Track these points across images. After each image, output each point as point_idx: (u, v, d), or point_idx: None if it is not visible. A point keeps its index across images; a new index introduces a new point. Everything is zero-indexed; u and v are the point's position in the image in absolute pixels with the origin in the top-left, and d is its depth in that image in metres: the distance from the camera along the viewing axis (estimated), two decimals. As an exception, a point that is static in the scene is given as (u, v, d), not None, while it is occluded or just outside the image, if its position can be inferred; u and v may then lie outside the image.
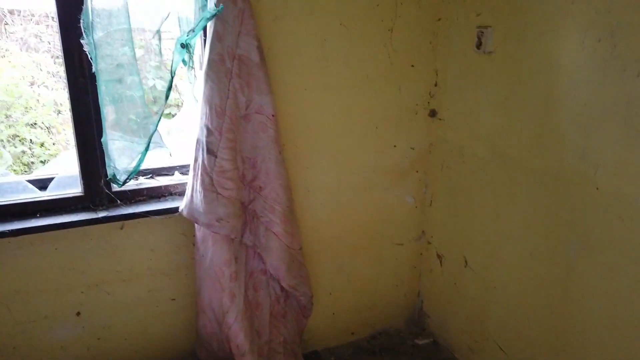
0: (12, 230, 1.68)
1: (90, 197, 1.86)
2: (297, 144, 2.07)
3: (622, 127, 1.45)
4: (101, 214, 1.82)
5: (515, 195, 1.89)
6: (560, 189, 1.69)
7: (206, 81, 1.75)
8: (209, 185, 1.80)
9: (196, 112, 1.82)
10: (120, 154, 1.68)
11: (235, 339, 1.93)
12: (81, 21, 1.56)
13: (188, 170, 1.93)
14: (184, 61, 1.75)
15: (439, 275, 2.43)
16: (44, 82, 4.36)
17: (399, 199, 2.39)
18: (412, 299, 2.61)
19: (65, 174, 1.88)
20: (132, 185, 1.95)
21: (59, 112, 4.32)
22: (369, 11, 2.03)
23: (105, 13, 1.56)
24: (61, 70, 4.90)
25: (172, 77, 1.67)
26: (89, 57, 1.60)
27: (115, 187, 1.88)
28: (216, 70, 1.74)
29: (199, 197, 1.81)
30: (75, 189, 1.86)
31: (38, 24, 5.50)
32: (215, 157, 1.79)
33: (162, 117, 1.70)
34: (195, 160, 1.83)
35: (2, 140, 3.91)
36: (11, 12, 5.50)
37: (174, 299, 2.09)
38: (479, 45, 1.91)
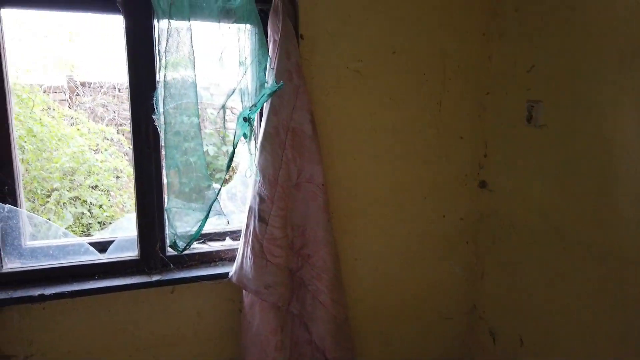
0: (71, 291, 1.75)
1: (145, 260, 1.92)
2: (345, 212, 2.10)
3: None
4: (155, 278, 1.87)
5: (572, 272, 1.81)
6: (621, 267, 1.61)
7: (261, 152, 1.83)
8: (259, 252, 1.83)
9: (250, 180, 1.89)
10: (182, 221, 1.74)
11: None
12: (153, 96, 1.69)
13: (239, 236, 1.98)
14: (244, 134, 1.84)
15: (491, 353, 2.30)
16: (106, 149, 4.66)
17: (448, 270, 2.33)
18: (462, 379, 2.47)
19: (123, 237, 1.96)
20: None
21: (118, 177, 4.57)
22: (417, 86, 2.10)
23: (176, 88, 1.69)
24: (122, 138, 5.25)
25: (234, 149, 1.76)
26: (157, 127, 1.71)
27: (169, 252, 1.94)
28: (271, 141, 1.82)
29: (248, 264, 1.84)
30: (132, 252, 1.94)
31: (106, 95, 5.96)
32: (267, 224, 1.83)
33: (222, 186, 1.77)
34: (247, 226, 1.87)
35: (64, 203, 4.14)
36: (83, 84, 6.01)
37: (218, 366, 2.07)
38: (529, 118, 1.92)
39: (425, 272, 2.29)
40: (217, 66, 1.82)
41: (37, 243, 1.89)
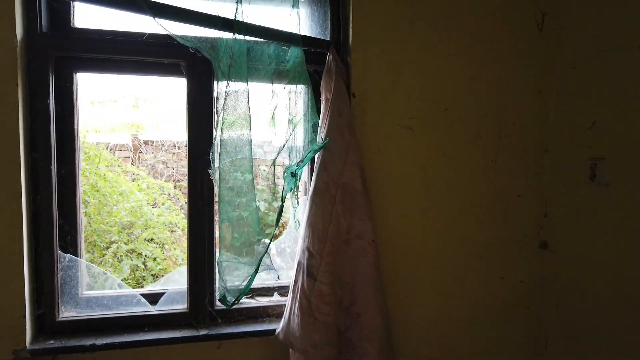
0: (121, 342, 1.76)
1: (194, 314, 1.92)
2: (396, 271, 2.03)
3: None
4: (202, 332, 1.86)
5: (652, 344, 1.63)
6: None
7: (311, 206, 1.83)
8: (307, 308, 1.78)
9: (299, 235, 1.88)
10: (231, 275, 1.76)
11: None
12: (210, 152, 1.76)
13: (287, 292, 1.95)
14: (290, 188, 1.87)
15: None
16: (163, 203, 4.85)
17: (508, 337, 2.17)
18: None
19: (174, 289, 1.98)
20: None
21: (173, 230, 4.72)
22: (471, 143, 2.07)
23: (232, 145, 1.76)
24: (179, 193, 5.47)
25: (283, 203, 1.78)
26: (213, 182, 1.77)
27: (218, 305, 1.93)
28: (321, 196, 1.83)
29: (296, 321, 1.80)
30: (182, 305, 1.94)
31: (166, 152, 6.30)
32: (315, 280, 1.79)
33: (272, 240, 1.78)
34: (295, 282, 1.85)
35: (121, 255, 4.28)
36: (146, 143, 6.39)
37: None
38: (592, 176, 1.83)
39: (483, 338, 2.15)
40: (269, 124, 1.88)
41: (93, 293, 1.94)
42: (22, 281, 1.67)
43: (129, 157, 5.99)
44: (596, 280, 1.85)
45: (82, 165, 4.16)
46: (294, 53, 1.82)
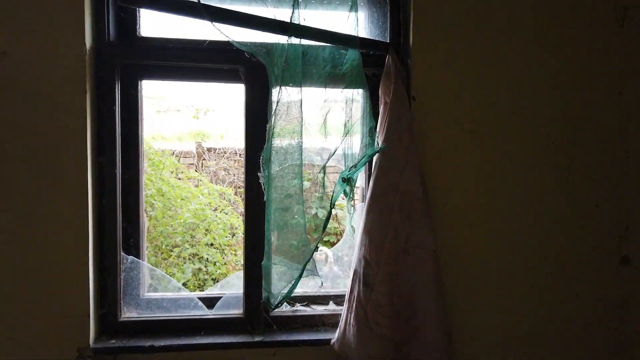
0: (178, 345, 1.78)
1: (249, 319, 1.91)
2: (460, 284, 1.92)
3: None
4: (257, 338, 1.84)
5: None
6: None
7: (368, 213, 1.77)
8: (363, 319, 1.72)
9: (355, 243, 1.83)
10: (277, 278, 1.75)
11: None
12: (261, 156, 1.76)
13: (343, 301, 1.89)
14: (345, 192, 1.82)
15: None
16: (223, 209, 4.98)
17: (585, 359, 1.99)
18: None
19: (231, 294, 1.99)
20: (288, 311, 1.97)
21: (233, 234, 4.82)
22: (542, 149, 1.93)
23: (282, 151, 1.75)
24: (239, 199, 5.60)
25: (332, 208, 1.75)
26: (262, 187, 1.76)
27: (273, 312, 1.92)
28: (378, 203, 1.76)
29: (351, 331, 1.74)
30: (238, 310, 1.94)
31: (228, 159, 6.48)
32: (372, 290, 1.73)
33: (318, 246, 1.76)
34: (351, 291, 1.79)
35: (185, 257, 4.42)
36: (209, 150, 6.60)
37: None
38: (684, 184, 1.64)
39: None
40: (321, 129, 1.85)
41: (153, 295, 1.99)
42: (87, 281, 1.73)
43: (193, 164, 6.22)
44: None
45: (148, 170, 4.36)
46: (350, 56, 1.78)
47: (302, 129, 1.74)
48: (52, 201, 1.69)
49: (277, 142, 1.75)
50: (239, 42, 1.71)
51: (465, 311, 1.92)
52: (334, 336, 1.83)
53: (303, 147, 1.77)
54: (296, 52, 1.70)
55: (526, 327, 1.96)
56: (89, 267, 1.73)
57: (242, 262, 4.71)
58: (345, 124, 1.81)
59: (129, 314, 1.90)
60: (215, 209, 4.89)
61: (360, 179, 2.08)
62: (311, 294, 2.06)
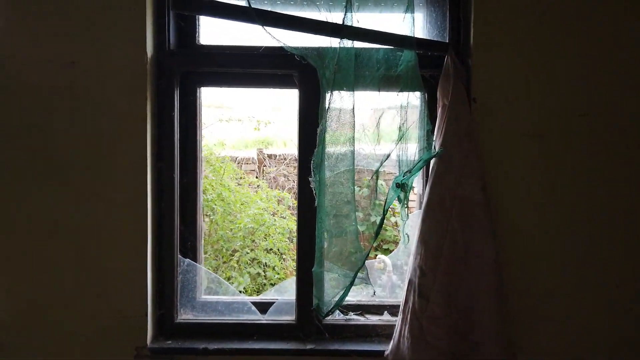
0: (231, 349, 1.80)
1: (301, 326, 1.89)
2: (524, 299, 1.78)
3: None
4: (309, 346, 1.82)
5: None
6: None
7: (424, 220, 1.70)
8: (418, 331, 1.64)
9: (411, 251, 1.76)
10: (328, 285, 1.73)
11: None
12: (312, 161, 1.74)
13: (398, 312, 1.83)
14: (399, 199, 1.76)
15: None
16: (282, 214, 5.04)
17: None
18: None
19: (284, 299, 1.98)
20: (341, 320, 1.93)
21: (292, 239, 4.86)
22: (615, 154, 1.76)
23: (334, 157, 1.72)
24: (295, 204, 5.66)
25: (384, 215, 1.71)
26: (314, 192, 1.74)
27: (326, 320, 1.89)
28: (435, 210, 1.68)
29: (406, 344, 1.67)
30: (290, 316, 1.93)
31: (288, 166, 6.58)
32: (427, 301, 1.65)
33: (369, 253, 1.72)
34: (406, 302, 1.72)
35: (245, 262, 4.51)
36: (269, 156, 6.74)
37: None
38: None
39: (634, 386, 1.79)
40: (375, 134, 1.81)
41: (209, 298, 2.02)
42: (146, 282, 1.78)
43: (254, 170, 6.36)
44: None
45: (209, 176, 4.50)
46: (406, 57, 1.72)
47: (354, 135, 1.71)
48: (114, 204, 1.76)
49: (329, 148, 1.73)
50: (289, 46, 1.71)
51: (531, 330, 1.79)
52: (388, 348, 1.77)
53: (356, 152, 1.74)
54: (348, 55, 1.68)
55: (598, 347, 1.79)
56: (148, 269, 1.78)
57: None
58: (399, 128, 1.76)
59: (185, 315, 1.94)
60: (274, 214, 4.96)
61: (418, 184, 2.01)
62: (365, 302, 2.01)
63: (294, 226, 4.87)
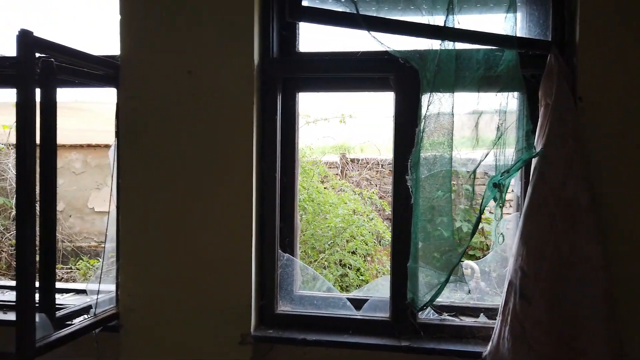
0: (328, 341, 1.87)
1: (395, 324, 1.92)
2: (635, 305, 1.69)
3: None
4: (404, 343, 1.84)
5: None
6: None
7: (525, 222, 1.66)
8: (520, 334, 1.61)
9: (511, 253, 1.73)
10: (422, 282, 1.75)
11: None
12: (409, 160, 1.77)
13: (495, 314, 1.80)
14: (495, 198, 1.73)
15: None
16: (368, 214, 5.10)
17: None
18: None
19: (377, 297, 2.02)
20: (435, 320, 1.94)
21: (380, 241, 4.91)
22: None
23: (431, 159, 1.74)
24: (385, 202, 5.71)
25: (480, 214, 1.70)
26: (410, 191, 1.77)
27: (420, 319, 1.91)
28: (537, 211, 1.65)
29: (506, 346, 1.64)
30: (384, 313, 1.97)
31: (370, 170, 6.62)
32: (530, 303, 1.62)
33: (464, 253, 1.73)
34: (506, 304, 1.69)
35: (334, 261, 4.62)
36: (352, 161, 6.83)
37: None
38: None
39: None
40: (473, 136, 1.80)
41: (306, 292, 2.12)
42: (250, 274, 1.91)
43: (337, 174, 6.48)
44: None
45: (300, 178, 4.69)
46: (507, 57, 1.71)
47: (452, 139, 1.72)
48: (226, 202, 1.90)
49: (426, 148, 1.75)
50: (393, 49, 1.75)
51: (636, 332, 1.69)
52: (486, 349, 1.75)
53: (453, 153, 1.74)
54: (449, 55, 1.69)
55: None
56: (252, 262, 1.91)
57: (383, 271, 4.77)
58: (498, 127, 1.73)
59: (283, 307, 2.04)
60: (362, 214, 5.05)
61: (515, 186, 1.97)
62: (459, 304, 2.00)
63: (381, 227, 4.92)
